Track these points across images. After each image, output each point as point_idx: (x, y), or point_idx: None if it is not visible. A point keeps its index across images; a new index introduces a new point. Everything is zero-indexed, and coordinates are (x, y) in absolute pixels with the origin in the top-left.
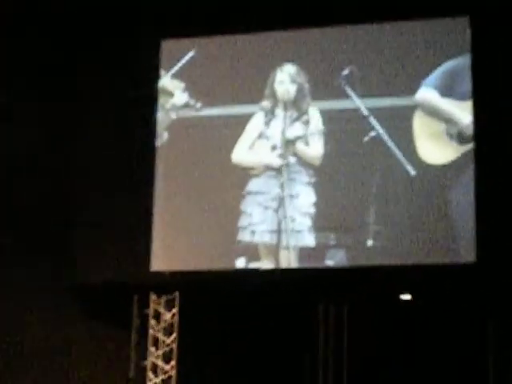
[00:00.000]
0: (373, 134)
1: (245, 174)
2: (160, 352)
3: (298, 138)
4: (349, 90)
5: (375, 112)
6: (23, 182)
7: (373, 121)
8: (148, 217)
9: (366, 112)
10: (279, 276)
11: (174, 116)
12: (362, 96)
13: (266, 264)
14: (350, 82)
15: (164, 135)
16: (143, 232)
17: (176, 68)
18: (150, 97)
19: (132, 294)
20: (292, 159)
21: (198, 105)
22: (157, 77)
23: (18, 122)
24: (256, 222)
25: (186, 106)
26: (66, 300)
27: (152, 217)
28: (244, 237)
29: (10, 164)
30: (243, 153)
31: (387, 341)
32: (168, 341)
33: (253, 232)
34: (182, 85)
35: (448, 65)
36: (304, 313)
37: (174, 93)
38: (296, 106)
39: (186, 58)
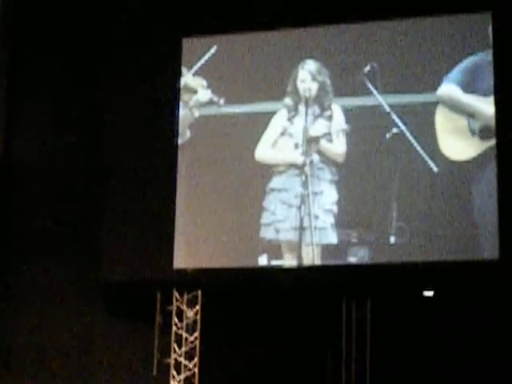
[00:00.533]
0: (395, 130)
1: (268, 171)
2: (183, 350)
3: (322, 135)
4: (370, 87)
5: (397, 108)
6: (48, 183)
7: (395, 117)
8: (171, 214)
9: (387, 108)
10: (302, 273)
11: (196, 114)
12: (384, 92)
13: (288, 261)
14: (371, 78)
15: (186, 133)
16: (166, 230)
17: (198, 65)
18: (171, 95)
19: (155, 292)
20: (315, 157)
21: (222, 101)
22: (178, 75)
23: (41, 124)
24: (279, 220)
25: (210, 102)
26: (90, 298)
27: (175, 214)
28: (267, 234)
29: (34, 167)
30: (266, 150)
31: (410, 338)
32: (191, 338)
33: (276, 229)
34: (205, 82)
35: (470, 60)
36: (327, 310)
37: (197, 90)
38: (318, 102)
39: (208, 55)
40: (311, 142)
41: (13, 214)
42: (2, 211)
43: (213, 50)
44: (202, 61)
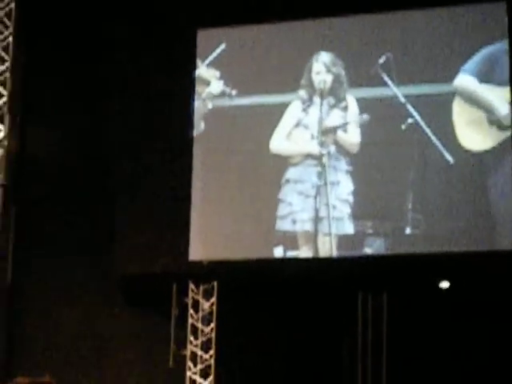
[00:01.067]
0: (410, 121)
1: (283, 162)
2: (199, 341)
3: (338, 126)
4: (385, 78)
5: (412, 99)
6: (62, 176)
7: (410, 108)
8: (186, 206)
9: (403, 99)
10: (317, 264)
11: (210, 106)
12: (399, 83)
13: (304, 252)
14: (386, 69)
15: (201, 125)
16: (181, 222)
17: (212, 57)
18: (186, 86)
19: (171, 284)
20: (332, 147)
21: (234, 92)
22: (193, 66)
23: (54, 120)
24: (297, 211)
25: (222, 94)
26: (106, 289)
27: (190, 206)
28: (284, 225)
29: (48, 161)
30: (281, 141)
31: (425, 328)
32: (207, 330)
33: (293, 220)
34: (218, 73)
35: (487, 50)
36: (342, 301)
37: (210, 81)
38: (333, 94)
39: (222, 46)
40: (328, 132)
41: (28, 209)
42: (17, 206)
43: (226, 42)
44: (216, 52)
